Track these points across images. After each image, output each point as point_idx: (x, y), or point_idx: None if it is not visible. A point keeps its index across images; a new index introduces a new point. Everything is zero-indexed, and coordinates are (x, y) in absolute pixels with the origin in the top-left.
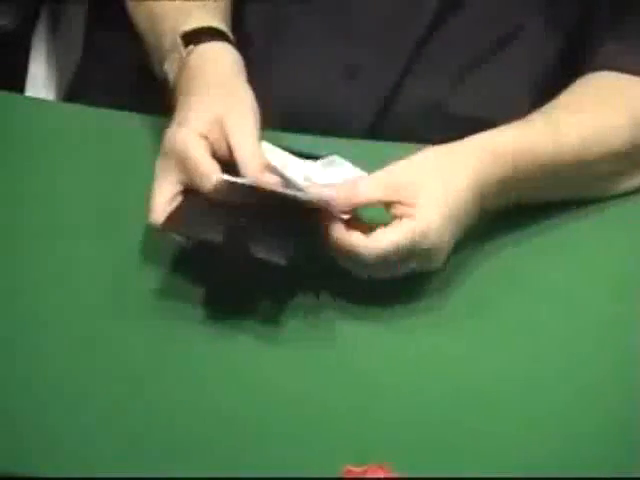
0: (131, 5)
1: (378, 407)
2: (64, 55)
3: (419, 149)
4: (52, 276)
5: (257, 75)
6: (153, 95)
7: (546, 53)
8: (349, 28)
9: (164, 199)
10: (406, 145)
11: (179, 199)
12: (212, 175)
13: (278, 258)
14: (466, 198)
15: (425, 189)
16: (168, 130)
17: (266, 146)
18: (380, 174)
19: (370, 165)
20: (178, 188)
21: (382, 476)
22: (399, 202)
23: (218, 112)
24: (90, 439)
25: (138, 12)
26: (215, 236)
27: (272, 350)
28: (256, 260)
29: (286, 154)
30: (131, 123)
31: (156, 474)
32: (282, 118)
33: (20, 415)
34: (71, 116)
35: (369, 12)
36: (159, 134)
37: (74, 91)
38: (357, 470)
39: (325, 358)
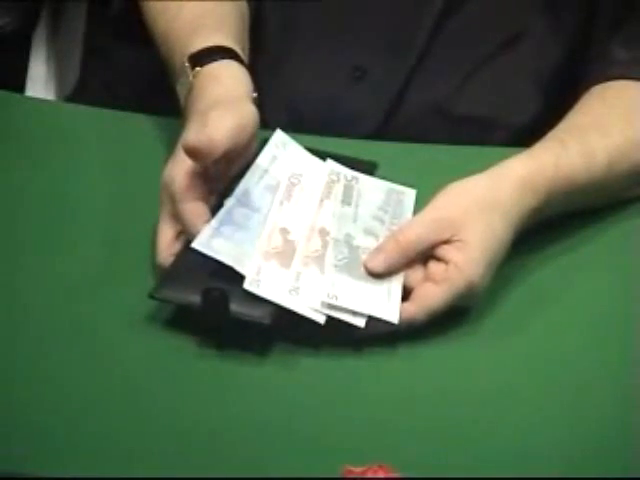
0: (148, 19)
1: (378, 407)
2: (64, 55)
3: (425, 149)
4: (53, 277)
5: (267, 77)
6: (154, 95)
7: (550, 54)
8: (357, 30)
9: (167, 240)
10: (413, 145)
11: (183, 238)
12: (197, 226)
13: (261, 317)
14: (506, 241)
15: (470, 234)
16: (168, 162)
17: (285, 139)
18: (425, 215)
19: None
20: (178, 227)
21: (382, 476)
22: (444, 242)
23: None
24: (90, 439)
25: (155, 28)
26: (193, 298)
27: (274, 351)
28: (238, 321)
29: (303, 152)
30: (132, 123)
31: (156, 474)
32: (289, 119)
33: (20, 415)
34: (71, 116)
35: (376, 14)
36: (160, 134)
37: (75, 91)
38: (357, 470)
39: (326, 359)
